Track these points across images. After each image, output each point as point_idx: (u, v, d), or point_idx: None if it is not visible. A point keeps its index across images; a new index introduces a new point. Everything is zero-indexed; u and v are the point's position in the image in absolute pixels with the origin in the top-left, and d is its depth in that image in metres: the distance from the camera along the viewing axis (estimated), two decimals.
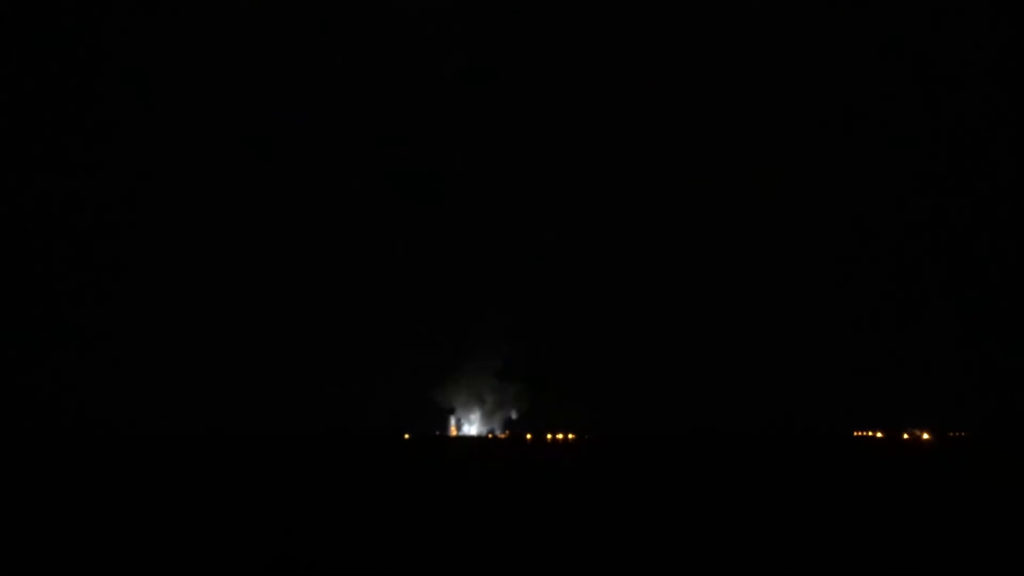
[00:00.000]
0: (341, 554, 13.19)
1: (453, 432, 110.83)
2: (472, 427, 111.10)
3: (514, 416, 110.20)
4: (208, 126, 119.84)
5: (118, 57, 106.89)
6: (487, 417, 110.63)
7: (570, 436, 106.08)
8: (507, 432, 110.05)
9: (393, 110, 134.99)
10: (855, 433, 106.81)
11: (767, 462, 41.76)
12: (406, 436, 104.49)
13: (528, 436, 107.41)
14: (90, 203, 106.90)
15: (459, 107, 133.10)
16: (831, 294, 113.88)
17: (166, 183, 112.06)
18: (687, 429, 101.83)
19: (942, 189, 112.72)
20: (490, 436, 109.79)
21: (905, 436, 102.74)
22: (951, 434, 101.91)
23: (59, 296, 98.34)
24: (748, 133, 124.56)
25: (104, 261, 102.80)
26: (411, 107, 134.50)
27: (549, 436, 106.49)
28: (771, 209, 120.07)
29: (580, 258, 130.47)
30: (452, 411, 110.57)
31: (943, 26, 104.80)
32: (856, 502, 21.05)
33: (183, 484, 26.66)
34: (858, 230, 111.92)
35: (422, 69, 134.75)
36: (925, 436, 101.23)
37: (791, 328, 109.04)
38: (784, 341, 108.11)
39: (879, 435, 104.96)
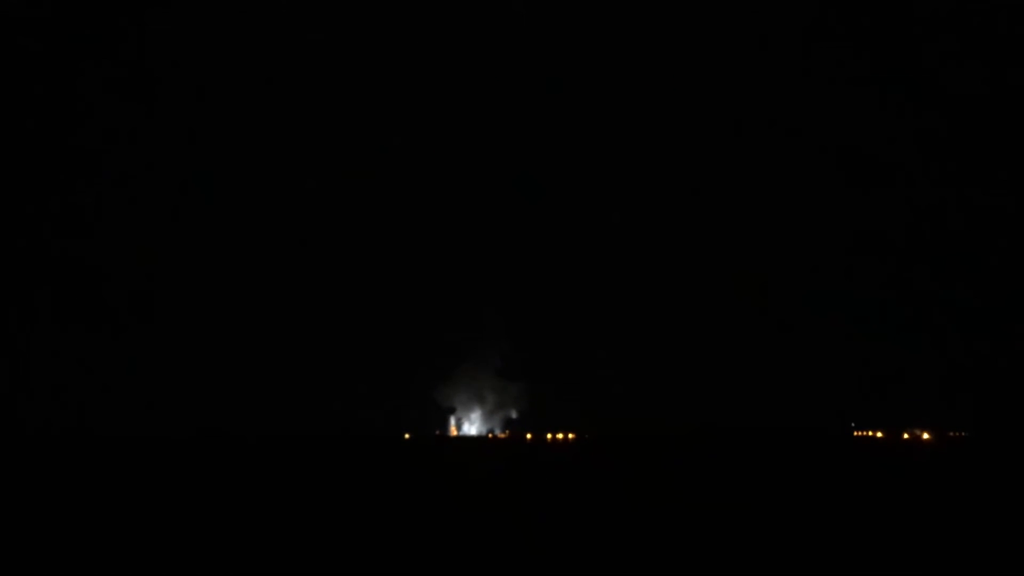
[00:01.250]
0: (342, 554, 13.21)
1: (453, 432, 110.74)
2: (472, 427, 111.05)
3: (514, 416, 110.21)
4: (207, 126, 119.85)
5: (115, 53, 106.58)
6: (487, 417, 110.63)
7: (570, 436, 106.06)
8: (507, 432, 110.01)
9: (391, 110, 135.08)
10: (855, 433, 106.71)
11: (767, 462, 41.79)
12: (406, 436, 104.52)
13: (528, 436, 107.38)
14: (90, 202, 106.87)
15: (458, 107, 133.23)
16: (830, 293, 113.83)
17: (166, 181, 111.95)
18: (687, 429, 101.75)
19: (942, 189, 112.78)
20: (490, 436, 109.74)
21: (905, 436, 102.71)
22: (951, 434, 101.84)
23: (59, 295, 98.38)
24: (750, 131, 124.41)
25: (105, 260, 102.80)
26: (409, 107, 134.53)
27: (549, 436, 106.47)
28: (771, 209, 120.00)
29: (580, 257, 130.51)
30: (452, 411, 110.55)
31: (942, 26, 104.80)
32: (856, 502, 21.08)
33: (183, 484, 26.70)
34: (858, 228, 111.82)
35: (422, 70, 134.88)
36: (925, 436, 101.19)
37: (791, 328, 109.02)
38: (784, 341, 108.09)
39: (879, 435, 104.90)
